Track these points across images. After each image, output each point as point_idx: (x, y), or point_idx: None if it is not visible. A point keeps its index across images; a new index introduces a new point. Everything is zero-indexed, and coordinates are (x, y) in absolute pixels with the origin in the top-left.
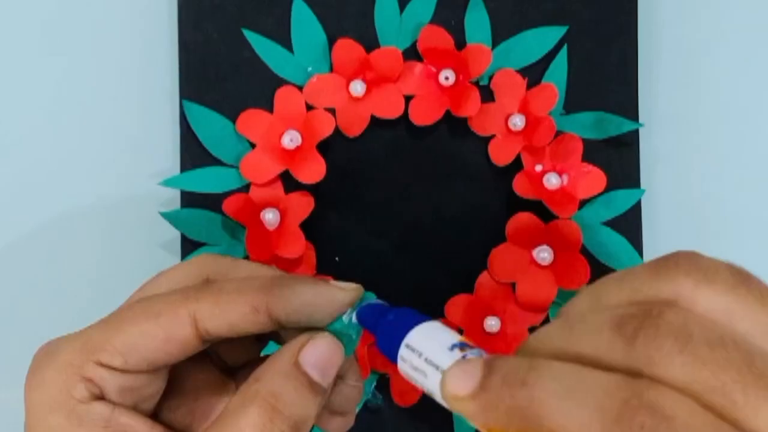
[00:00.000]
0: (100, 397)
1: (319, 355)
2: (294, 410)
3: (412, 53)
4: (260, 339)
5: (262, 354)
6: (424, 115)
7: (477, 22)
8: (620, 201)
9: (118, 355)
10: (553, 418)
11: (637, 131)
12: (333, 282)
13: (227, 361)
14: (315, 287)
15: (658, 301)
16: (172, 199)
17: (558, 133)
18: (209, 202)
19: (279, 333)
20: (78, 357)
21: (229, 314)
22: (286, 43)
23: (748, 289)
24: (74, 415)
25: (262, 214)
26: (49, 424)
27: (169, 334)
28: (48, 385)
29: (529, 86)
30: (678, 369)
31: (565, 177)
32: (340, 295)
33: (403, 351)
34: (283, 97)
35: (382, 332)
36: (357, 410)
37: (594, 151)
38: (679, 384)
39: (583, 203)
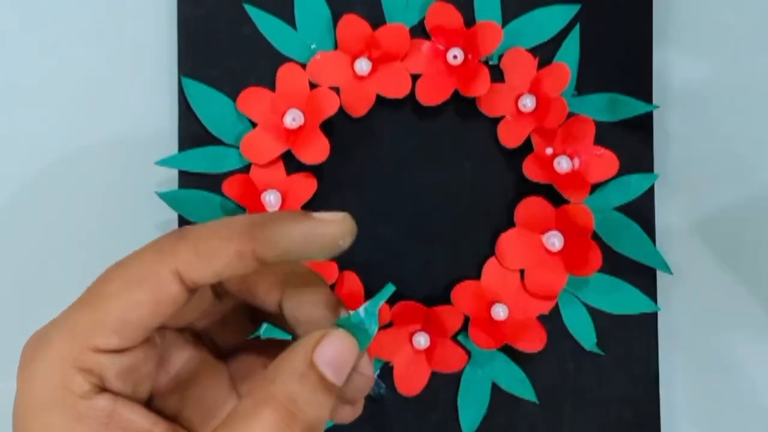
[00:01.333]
0: (101, 389)
1: (335, 352)
2: (311, 413)
3: (419, 31)
4: (253, 320)
5: (252, 336)
6: (431, 95)
7: None
8: (633, 186)
9: (112, 334)
10: None
11: (651, 114)
12: (319, 214)
13: (219, 343)
14: (301, 225)
15: None
16: (169, 179)
17: (570, 115)
18: (208, 182)
19: (276, 315)
20: (71, 346)
21: (213, 263)
22: (289, 19)
23: None
24: (74, 411)
25: (263, 195)
26: (45, 424)
27: (157, 298)
28: (42, 381)
29: (540, 66)
30: None
31: (576, 160)
32: (330, 229)
33: None
34: (285, 74)
35: None
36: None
37: (606, 134)
38: None
39: (595, 188)
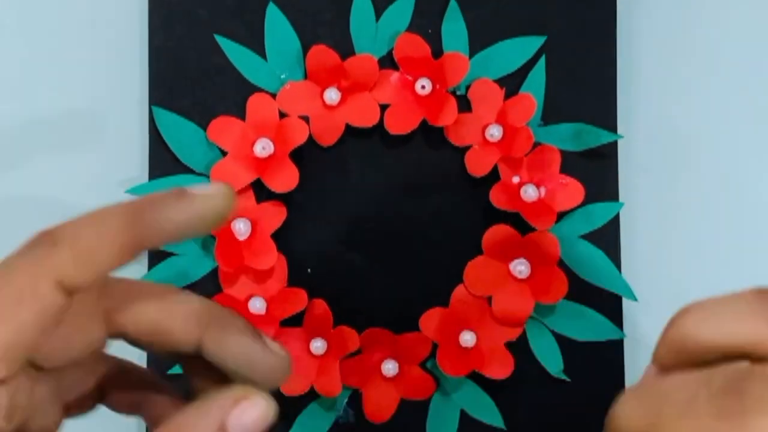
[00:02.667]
0: None
1: (252, 420)
2: None
3: (387, 61)
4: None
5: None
6: (399, 125)
7: (454, 31)
8: (598, 214)
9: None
10: None
11: (615, 143)
12: (196, 189)
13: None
14: (182, 205)
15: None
16: None
17: (536, 145)
18: None
19: (189, 357)
20: None
21: (96, 264)
22: (259, 49)
23: None
24: None
25: (232, 223)
26: None
27: (38, 314)
28: None
29: (507, 96)
30: None
31: (542, 189)
32: (211, 204)
33: None
34: (255, 104)
35: None
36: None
37: (572, 163)
38: None
39: (561, 216)
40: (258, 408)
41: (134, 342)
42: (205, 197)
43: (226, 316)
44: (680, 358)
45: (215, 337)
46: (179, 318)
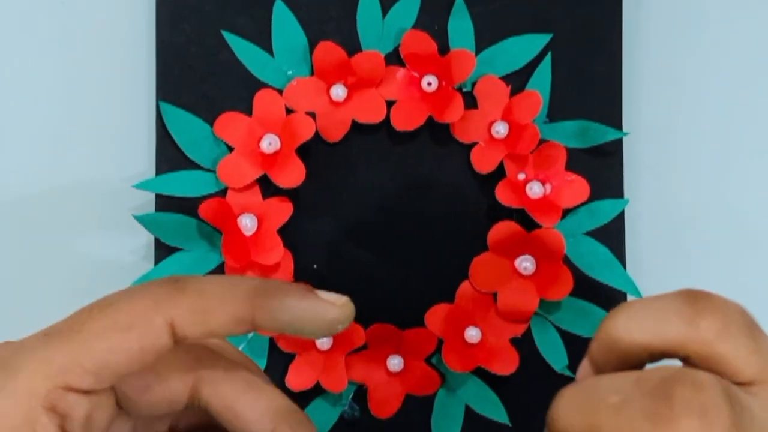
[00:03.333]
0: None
1: None
2: None
3: (394, 58)
4: None
5: None
6: (405, 121)
7: (460, 28)
8: (603, 211)
9: (89, 376)
10: None
11: (621, 140)
12: (322, 294)
13: None
14: (304, 302)
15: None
16: (147, 202)
17: (541, 142)
18: (185, 206)
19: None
20: (42, 383)
21: (210, 324)
22: (266, 45)
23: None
24: None
25: (239, 219)
26: None
27: (143, 346)
28: (4, 414)
29: (513, 93)
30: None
31: (548, 186)
32: (332, 313)
33: None
34: (262, 100)
35: None
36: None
37: (577, 160)
38: None
39: (566, 213)
40: None
41: (209, 415)
42: (328, 304)
43: (298, 418)
44: (611, 356)
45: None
46: (258, 411)
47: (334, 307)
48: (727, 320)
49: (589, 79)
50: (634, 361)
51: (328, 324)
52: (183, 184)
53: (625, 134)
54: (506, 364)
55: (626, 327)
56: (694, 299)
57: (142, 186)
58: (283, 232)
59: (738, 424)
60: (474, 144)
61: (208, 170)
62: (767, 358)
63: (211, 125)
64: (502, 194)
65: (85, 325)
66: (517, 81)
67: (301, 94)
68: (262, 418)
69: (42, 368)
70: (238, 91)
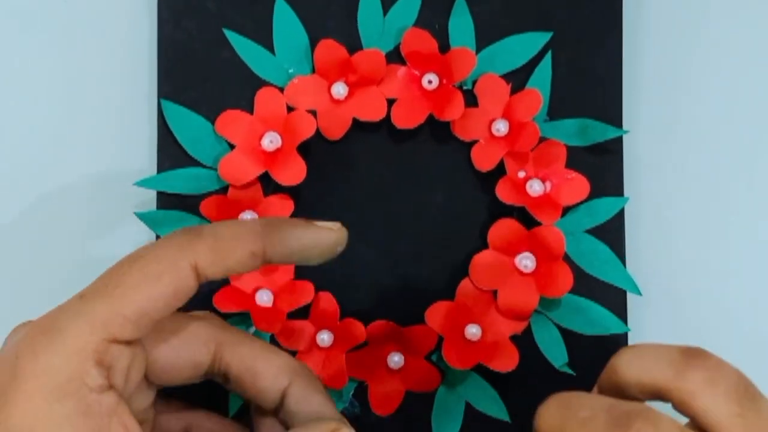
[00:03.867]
0: (110, 385)
1: None
2: None
3: (395, 56)
4: None
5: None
6: (406, 119)
7: (461, 26)
8: (603, 209)
9: (130, 325)
10: None
11: (621, 138)
12: (319, 223)
13: None
14: (309, 230)
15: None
16: (148, 200)
17: (542, 140)
18: (186, 203)
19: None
20: (89, 337)
21: (228, 261)
22: (267, 43)
23: (754, 410)
24: (83, 405)
25: (240, 216)
26: (53, 416)
27: (174, 290)
28: (55, 371)
29: (513, 92)
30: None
31: (548, 183)
32: (332, 237)
33: None
34: (263, 98)
35: None
36: None
37: (578, 158)
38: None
39: (566, 211)
40: None
41: (227, 380)
42: (326, 230)
43: (310, 375)
44: (612, 386)
45: (298, 392)
46: (275, 368)
47: (333, 232)
48: (715, 378)
49: (590, 77)
50: (630, 395)
51: (330, 247)
52: (184, 181)
53: (625, 132)
54: (506, 361)
55: (628, 362)
56: (692, 354)
57: (143, 183)
58: None
59: None
60: (474, 142)
61: (209, 168)
62: (752, 425)
63: (213, 123)
64: (503, 192)
65: (120, 280)
66: (518, 79)
67: (302, 92)
68: (279, 374)
69: (87, 325)
70: (239, 89)
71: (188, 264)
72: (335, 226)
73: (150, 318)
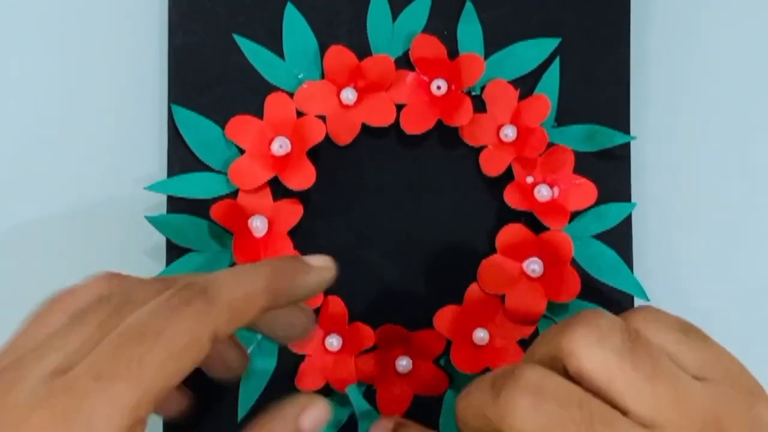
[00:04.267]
0: None
1: (319, 421)
2: None
3: (404, 62)
4: None
5: None
6: (415, 124)
7: (470, 32)
8: (611, 214)
9: (155, 401)
10: None
11: (628, 144)
12: (312, 261)
13: None
14: (311, 276)
15: (552, 356)
16: (158, 203)
17: (549, 145)
18: (196, 207)
19: None
20: (120, 423)
21: (242, 322)
22: (277, 49)
23: (631, 355)
24: None
25: (249, 220)
26: None
27: (195, 361)
28: (98, 425)
29: (521, 97)
30: (526, 421)
31: (556, 189)
32: (330, 274)
33: None
34: (273, 103)
35: None
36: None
37: (585, 164)
38: None
39: (574, 216)
40: (321, 410)
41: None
42: (321, 270)
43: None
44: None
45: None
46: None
47: (329, 270)
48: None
49: (597, 83)
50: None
51: (327, 283)
52: (194, 185)
53: (633, 138)
54: None
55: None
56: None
57: (154, 188)
58: (293, 233)
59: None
60: (483, 147)
61: (219, 172)
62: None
63: (223, 128)
64: (511, 197)
65: (144, 359)
66: (526, 85)
67: (311, 98)
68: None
69: (117, 411)
70: (249, 94)
71: (209, 337)
72: (328, 263)
73: (171, 388)
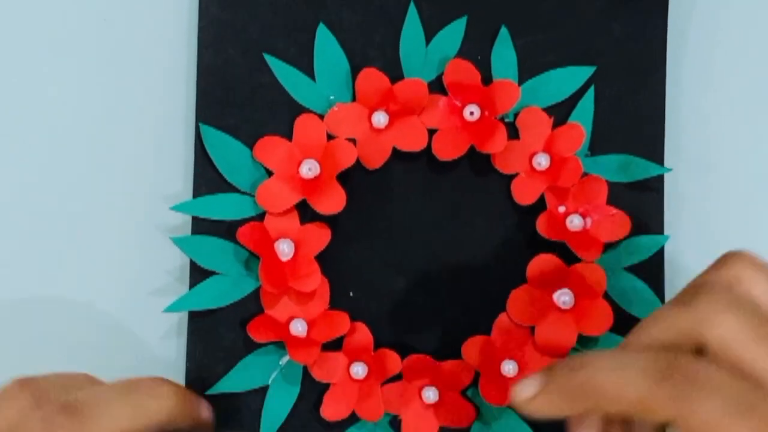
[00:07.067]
0: None
1: None
2: None
3: (437, 86)
4: None
5: None
6: (447, 150)
7: (504, 58)
8: (644, 247)
9: None
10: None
11: (662, 176)
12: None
13: None
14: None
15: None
16: (183, 224)
17: (583, 175)
18: (222, 229)
19: None
20: None
21: None
22: (308, 70)
23: None
24: None
25: (276, 244)
26: None
27: None
28: None
29: (555, 125)
30: (725, 329)
31: (588, 219)
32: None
33: None
34: (303, 124)
35: None
36: None
37: (618, 195)
38: (721, 344)
39: (606, 247)
40: None
41: None
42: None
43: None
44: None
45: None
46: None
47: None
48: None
49: (632, 113)
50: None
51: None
52: (221, 206)
53: (668, 170)
54: None
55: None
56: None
57: (179, 208)
58: (320, 258)
59: None
60: (515, 175)
61: (246, 194)
62: None
63: (251, 149)
64: (543, 226)
65: None
66: (560, 113)
67: (342, 120)
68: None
69: None
70: (278, 115)
71: None
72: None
73: None
